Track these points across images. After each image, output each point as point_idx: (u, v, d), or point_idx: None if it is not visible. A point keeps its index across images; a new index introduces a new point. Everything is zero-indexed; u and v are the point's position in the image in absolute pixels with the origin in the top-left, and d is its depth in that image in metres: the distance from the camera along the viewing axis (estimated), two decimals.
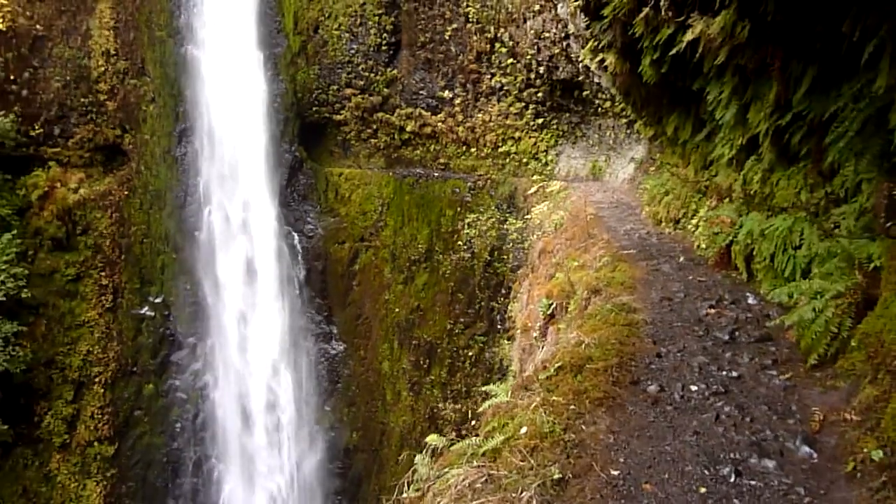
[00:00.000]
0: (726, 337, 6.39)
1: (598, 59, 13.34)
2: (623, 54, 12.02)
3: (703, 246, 10.00)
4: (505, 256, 19.25)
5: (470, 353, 24.19)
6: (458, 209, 23.99)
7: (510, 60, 23.31)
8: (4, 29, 22.95)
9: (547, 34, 22.08)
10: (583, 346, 5.84)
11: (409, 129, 25.52)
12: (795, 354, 5.72)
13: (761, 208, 8.76)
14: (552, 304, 11.02)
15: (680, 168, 12.77)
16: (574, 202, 18.21)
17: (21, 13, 23.31)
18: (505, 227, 18.14)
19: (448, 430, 24.46)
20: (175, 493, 25.07)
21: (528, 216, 15.99)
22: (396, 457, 25.16)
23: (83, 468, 24.47)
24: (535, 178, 15.70)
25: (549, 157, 23.61)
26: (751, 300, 7.85)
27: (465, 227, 19.81)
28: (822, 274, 6.19)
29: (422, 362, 24.91)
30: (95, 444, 24.57)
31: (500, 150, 24.26)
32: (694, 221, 11.46)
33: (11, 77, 23.68)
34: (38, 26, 23.74)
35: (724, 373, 5.51)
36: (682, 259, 10.32)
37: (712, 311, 7.29)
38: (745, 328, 6.70)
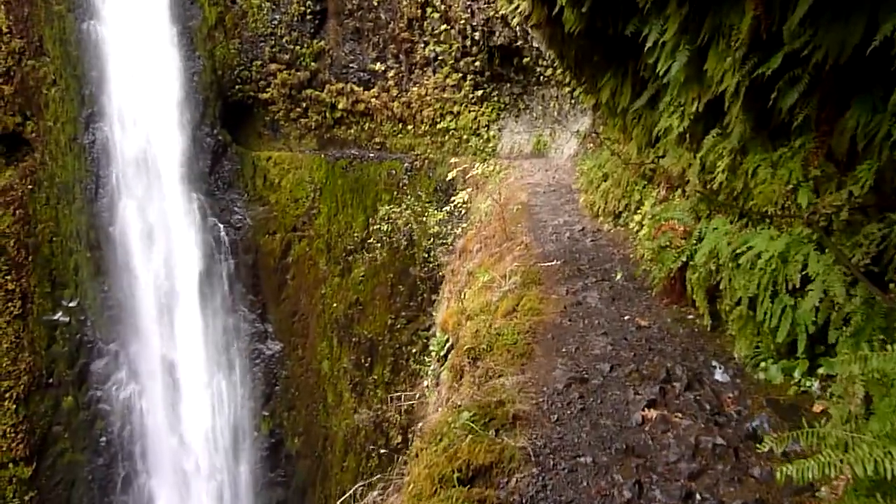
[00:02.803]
0: None
1: (513, 6, 9.67)
2: None
3: (647, 257, 6.43)
4: (426, 254, 15.70)
5: (414, 350, 20.67)
6: (395, 193, 20.32)
7: (444, 27, 19.46)
8: None
9: None
10: None
11: (341, 106, 21.71)
12: None
13: (730, 210, 5.23)
14: (447, 339, 7.49)
15: (621, 145, 9.18)
16: (510, 185, 14.61)
17: None
18: (424, 219, 14.56)
19: (393, 433, 21.18)
20: None
21: (448, 206, 12.42)
22: (341, 463, 21.78)
23: None
24: (454, 160, 12.07)
25: (491, 133, 19.91)
26: (719, 376, 4.34)
27: (378, 220, 16.08)
28: (865, 362, 2.68)
29: (363, 361, 21.41)
30: (10, 465, 20.92)
31: (438, 126, 20.53)
32: (637, 218, 7.90)
33: None
34: None
35: None
36: (618, 278, 6.76)
37: (653, 414, 3.75)
38: (715, 473, 3.18)
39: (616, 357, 4.68)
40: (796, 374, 3.95)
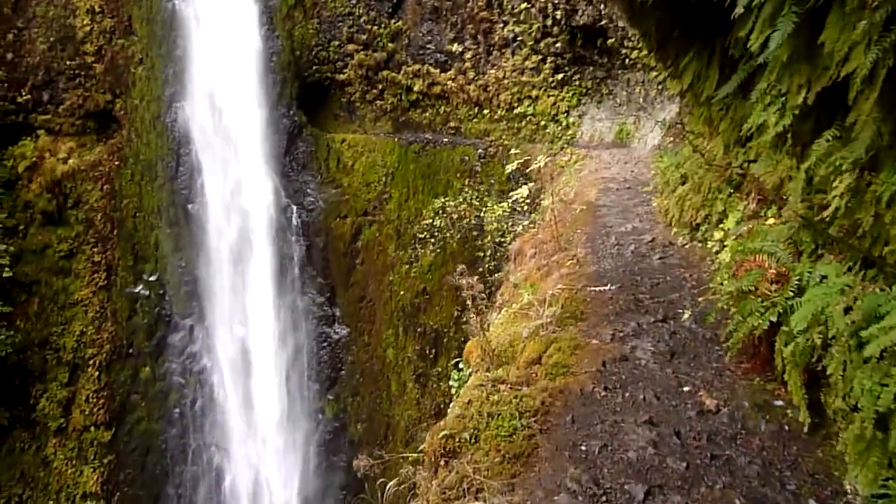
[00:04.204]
0: None
1: None
2: None
3: (725, 296, 4.62)
4: (493, 248, 14.02)
5: None
6: (467, 180, 18.78)
7: (523, 5, 17.59)
8: None
9: None
10: None
11: (416, 88, 20.29)
12: None
13: (850, 253, 3.44)
14: (470, 374, 5.98)
15: (705, 140, 7.26)
16: (583, 178, 12.81)
17: None
18: (482, 214, 12.91)
19: None
20: (175, 481, 21.46)
21: (505, 202, 10.74)
22: (402, 454, 20.73)
23: (80, 454, 21.07)
24: (514, 151, 10.35)
25: (571, 120, 17.97)
26: None
27: (433, 214, 14.52)
28: None
29: (428, 352, 20.13)
30: (92, 429, 21.10)
31: (515, 111, 18.75)
32: (718, 235, 6.05)
33: None
34: None
35: None
36: (685, 318, 5.00)
37: None
38: None
39: (659, 470, 3.02)
40: None
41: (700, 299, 4.95)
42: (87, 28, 20.18)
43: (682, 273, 6.24)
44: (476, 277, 5.35)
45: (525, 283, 7.38)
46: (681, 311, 5.23)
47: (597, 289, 5.91)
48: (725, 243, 5.85)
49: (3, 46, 19.71)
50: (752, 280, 3.94)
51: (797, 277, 3.63)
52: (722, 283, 4.98)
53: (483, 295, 5.36)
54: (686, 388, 3.88)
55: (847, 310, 2.97)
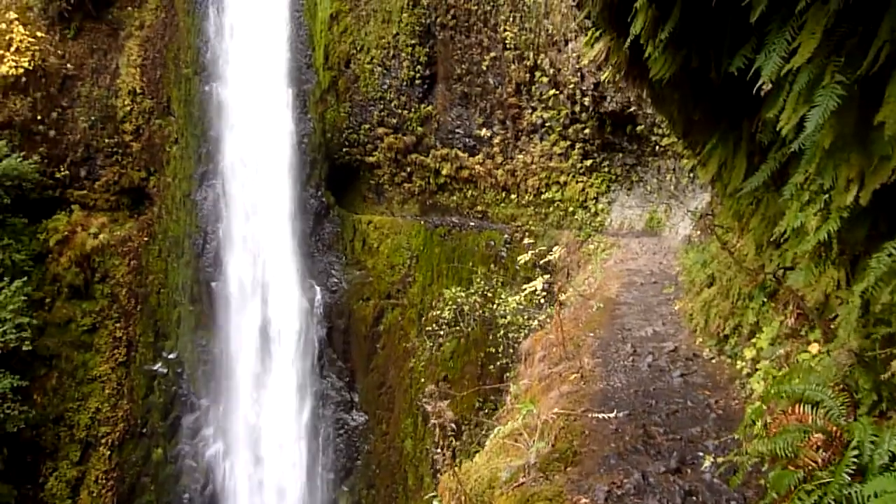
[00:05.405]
0: None
1: (593, 52, 7.09)
2: (615, 25, 5.72)
3: (755, 451, 3.41)
4: (500, 348, 12.83)
5: None
6: (492, 266, 17.84)
7: (552, 91, 17.02)
8: (33, 69, 19.27)
9: None
10: None
11: (444, 172, 19.74)
12: None
13: None
14: None
15: (734, 236, 6.18)
16: (607, 269, 11.70)
17: (52, 52, 19.57)
18: (494, 305, 11.81)
19: None
20: None
21: (520, 293, 9.68)
22: None
23: None
24: (526, 241, 9.33)
25: (600, 206, 17.01)
26: None
27: (443, 303, 13.47)
28: None
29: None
30: None
31: (542, 196, 17.97)
32: (750, 354, 4.88)
33: (39, 117, 19.94)
34: (68, 65, 19.98)
35: None
36: (705, 467, 3.80)
37: None
38: None
39: None
40: None
41: (723, 457, 3.75)
42: (128, 108, 20.45)
43: (706, 397, 5.04)
44: (442, 405, 4.27)
45: (525, 396, 6.27)
46: (701, 455, 4.04)
47: (600, 416, 4.75)
48: (758, 366, 4.68)
49: (46, 124, 20.04)
50: (791, 443, 2.79)
51: (855, 449, 2.49)
52: (753, 421, 3.80)
53: (453, 426, 4.27)
54: None
55: None
